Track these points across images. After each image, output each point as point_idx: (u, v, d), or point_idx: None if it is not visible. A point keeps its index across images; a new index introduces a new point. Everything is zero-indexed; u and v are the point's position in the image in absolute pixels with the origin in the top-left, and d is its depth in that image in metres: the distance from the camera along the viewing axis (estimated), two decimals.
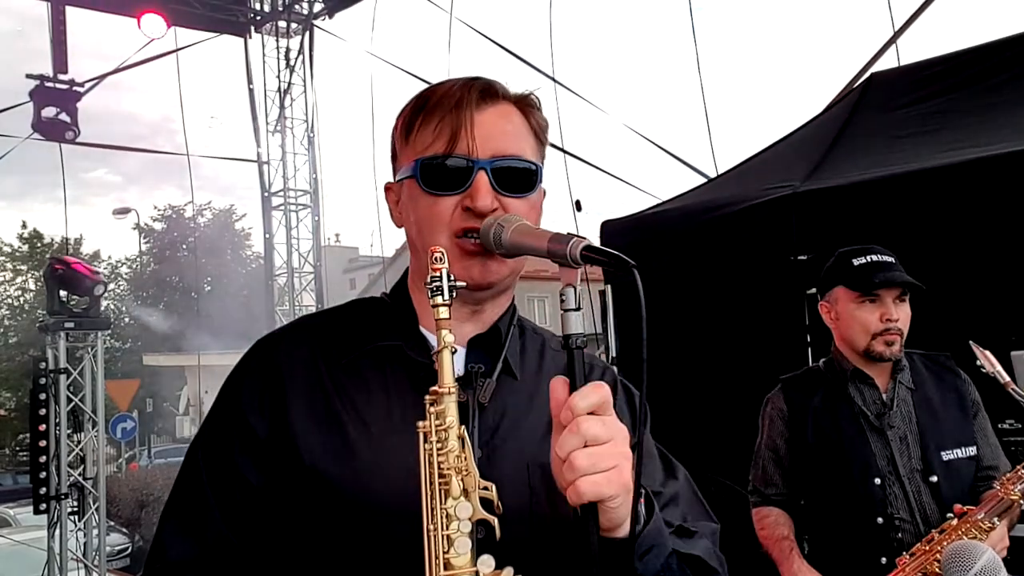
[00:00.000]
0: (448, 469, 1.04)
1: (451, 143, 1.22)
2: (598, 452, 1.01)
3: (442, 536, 1.03)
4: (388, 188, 1.37)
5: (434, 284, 1.05)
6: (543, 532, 1.18)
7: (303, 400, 1.23)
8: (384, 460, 1.17)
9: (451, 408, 1.05)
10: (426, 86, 1.34)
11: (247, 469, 1.23)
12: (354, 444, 1.19)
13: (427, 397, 1.07)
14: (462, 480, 1.04)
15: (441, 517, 1.03)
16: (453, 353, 1.06)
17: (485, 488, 1.05)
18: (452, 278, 1.06)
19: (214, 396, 1.34)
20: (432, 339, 1.24)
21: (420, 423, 1.07)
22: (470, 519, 1.04)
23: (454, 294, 1.06)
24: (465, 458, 1.05)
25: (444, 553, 1.03)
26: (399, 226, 1.34)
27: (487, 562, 1.04)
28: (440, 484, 1.04)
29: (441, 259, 1.07)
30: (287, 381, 1.24)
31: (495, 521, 1.04)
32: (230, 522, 1.22)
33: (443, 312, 1.05)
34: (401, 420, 1.19)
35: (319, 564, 1.19)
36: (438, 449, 1.05)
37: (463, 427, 1.06)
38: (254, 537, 1.23)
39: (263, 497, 1.23)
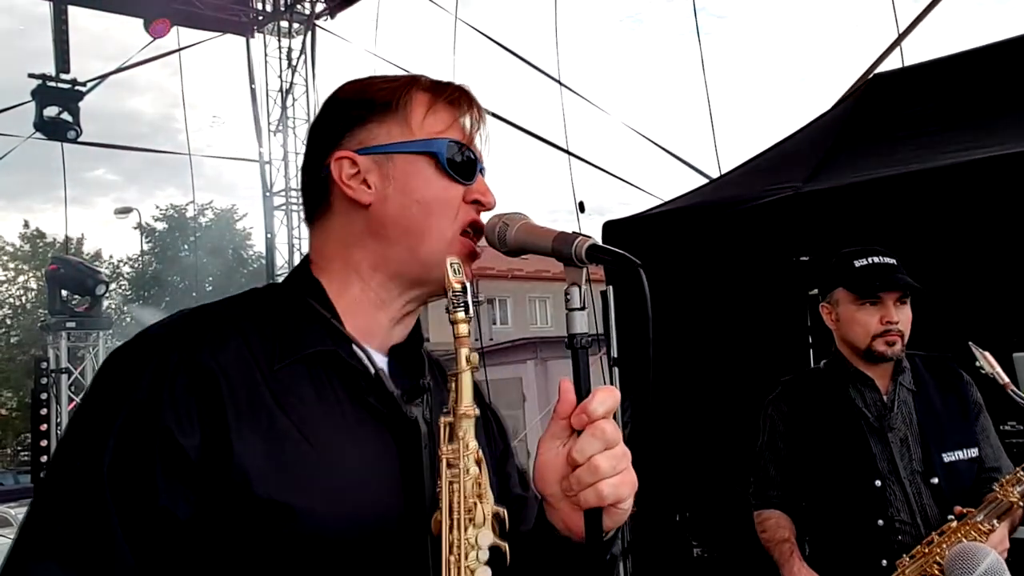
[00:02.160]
0: (471, 497, 1.01)
1: (469, 138, 1.23)
2: (615, 455, 1.02)
3: (464, 567, 0.99)
4: (345, 157, 1.20)
5: (459, 299, 1.02)
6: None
7: (244, 414, 1.04)
8: (348, 481, 1.09)
9: (471, 431, 1.02)
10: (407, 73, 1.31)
11: (174, 500, 1.01)
12: (313, 467, 1.06)
13: (444, 419, 1.03)
14: (484, 507, 1.02)
15: (464, 547, 1.00)
16: (401, 347, 1.06)
17: (496, 514, 1.03)
18: (476, 291, 1.04)
19: None
20: (363, 345, 1.17)
21: (444, 448, 1.02)
22: (488, 547, 1.01)
23: (471, 311, 1.03)
24: (482, 484, 1.02)
25: None
26: (364, 202, 1.19)
27: None
28: (465, 514, 1.00)
29: (459, 269, 1.04)
30: (224, 391, 1.04)
31: (505, 547, 1.02)
32: (148, 570, 1.01)
33: (463, 329, 1.01)
34: (352, 435, 1.11)
35: None
36: (460, 475, 1.01)
37: (479, 449, 1.03)
38: None
39: (190, 532, 1.02)
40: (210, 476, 1.02)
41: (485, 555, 1.00)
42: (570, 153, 9.12)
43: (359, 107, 1.23)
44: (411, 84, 1.24)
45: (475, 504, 1.01)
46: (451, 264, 1.04)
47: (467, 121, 1.24)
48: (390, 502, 1.10)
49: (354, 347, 1.16)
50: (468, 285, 1.03)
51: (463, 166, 1.21)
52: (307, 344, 1.13)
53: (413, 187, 1.19)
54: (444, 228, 1.19)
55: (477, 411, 1.03)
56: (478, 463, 1.03)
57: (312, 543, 1.04)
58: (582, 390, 1.04)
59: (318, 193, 1.23)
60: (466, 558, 0.99)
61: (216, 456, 1.02)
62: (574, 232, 1.07)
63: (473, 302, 1.03)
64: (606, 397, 1.03)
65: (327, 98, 1.28)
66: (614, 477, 1.01)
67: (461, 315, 1.00)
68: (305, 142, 1.34)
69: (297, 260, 10.84)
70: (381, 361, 1.19)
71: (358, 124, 1.21)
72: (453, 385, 1.03)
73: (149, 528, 1.01)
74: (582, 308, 1.04)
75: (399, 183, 1.19)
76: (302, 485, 1.04)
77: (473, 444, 1.02)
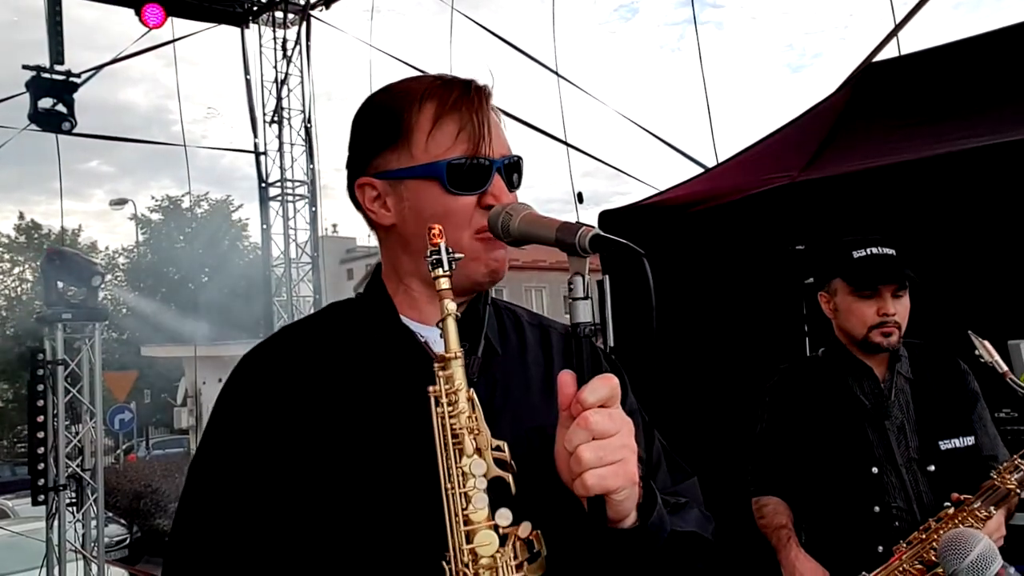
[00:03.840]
0: (460, 429, 1.09)
1: (474, 146, 1.27)
2: (604, 445, 1.03)
3: (460, 493, 1.07)
4: (367, 183, 1.33)
5: (434, 257, 1.10)
6: (546, 494, 1.20)
7: (310, 411, 1.24)
8: (397, 443, 1.20)
9: (458, 372, 1.11)
10: (408, 83, 1.36)
11: (268, 493, 1.22)
12: (367, 437, 1.21)
13: (435, 364, 1.13)
14: (475, 439, 1.09)
15: (457, 475, 1.08)
16: (457, 320, 1.11)
17: (497, 447, 1.10)
18: (450, 251, 1.11)
19: (211, 387, 1.33)
20: (415, 327, 1.31)
21: (431, 387, 1.12)
22: (485, 476, 1.08)
23: (453, 265, 1.11)
24: (476, 418, 1.10)
25: (463, 510, 1.07)
26: (386, 224, 1.32)
27: (504, 515, 1.08)
28: (454, 444, 1.09)
29: (440, 233, 1.12)
30: (290, 396, 1.25)
31: (509, 477, 1.08)
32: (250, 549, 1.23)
33: (444, 283, 1.10)
34: (402, 404, 1.21)
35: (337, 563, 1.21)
36: (450, 412, 1.10)
37: (471, 390, 1.11)
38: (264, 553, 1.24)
39: (282, 512, 1.22)
40: (289, 469, 1.21)
41: (483, 483, 1.08)
42: (568, 144, 9.11)
43: (374, 133, 1.33)
44: (417, 101, 1.30)
45: (463, 435, 1.09)
46: (431, 228, 1.12)
47: (474, 129, 1.28)
48: (429, 449, 1.14)
49: (405, 326, 1.30)
50: (443, 244, 1.11)
51: (471, 178, 1.26)
52: (361, 339, 1.31)
53: (424, 206, 1.28)
54: (459, 237, 1.25)
55: (460, 352, 1.12)
56: (470, 401, 1.11)
57: (371, 508, 1.18)
58: (585, 379, 1.05)
59: (362, 214, 1.37)
60: (463, 485, 1.08)
61: (291, 452, 1.21)
62: (577, 222, 1.08)
63: (448, 258, 1.11)
64: (599, 386, 1.05)
65: (354, 116, 1.37)
66: (600, 468, 1.03)
67: (440, 271, 1.10)
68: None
69: (293, 251, 10.81)
70: (436, 334, 1.26)
71: (375, 152, 1.32)
72: (441, 332, 1.12)
73: (250, 509, 1.22)
74: (586, 297, 1.05)
75: (412, 203, 1.29)
76: (354, 462, 1.19)
77: (460, 383, 1.11)
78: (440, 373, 1.12)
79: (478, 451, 1.09)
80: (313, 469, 1.20)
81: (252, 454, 1.23)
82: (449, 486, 1.08)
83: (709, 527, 1.33)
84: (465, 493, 1.07)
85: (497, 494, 1.08)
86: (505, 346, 1.36)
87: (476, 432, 1.10)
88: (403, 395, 1.22)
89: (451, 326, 1.11)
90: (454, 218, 1.26)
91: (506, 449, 1.10)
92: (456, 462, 1.08)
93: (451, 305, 1.10)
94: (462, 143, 1.27)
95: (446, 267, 1.10)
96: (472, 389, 1.12)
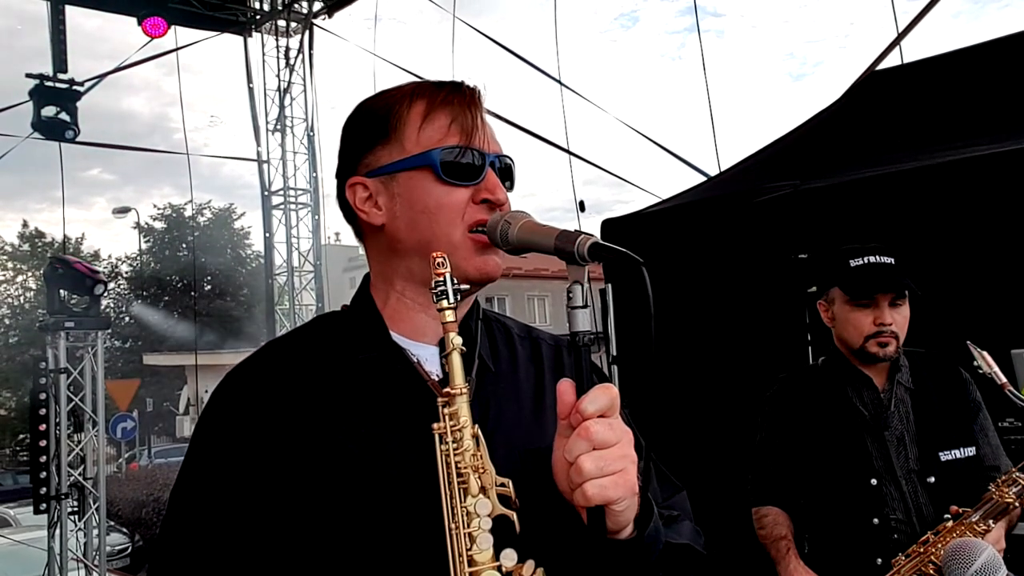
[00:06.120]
0: (465, 468, 1.07)
1: (467, 137, 1.25)
2: (605, 456, 1.02)
3: (464, 534, 1.05)
4: (358, 183, 1.29)
5: (439, 288, 1.07)
6: (540, 516, 1.18)
7: (295, 432, 1.18)
8: (392, 476, 1.16)
9: (463, 408, 1.08)
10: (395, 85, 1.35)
11: (251, 516, 1.18)
12: (358, 467, 1.16)
13: (439, 399, 1.09)
14: (479, 478, 1.07)
15: (462, 515, 1.06)
16: (463, 354, 1.08)
17: (502, 484, 1.07)
18: (456, 281, 1.08)
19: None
20: (406, 344, 1.26)
21: (435, 424, 1.09)
22: (489, 515, 1.06)
23: (459, 297, 1.08)
24: (481, 456, 1.08)
25: (467, 551, 1.05)
26: (376, 224, 1.28)
27: (509, 556, 1.06)
28: (459, 483, 1.07)
29: (443, 263, 1.08)
30: (275, 416, 1.20)
31: (514, 516, 1.06)
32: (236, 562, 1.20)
33: (449, 315, 1.07)
34: (396, 433, 1.19)
35: None
36: (454, 449, 1.07)
37: (477, 426, 1.08)
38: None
39: (267, 538, 1.18)
40: (275, 488, 1.16)
41: (487, 523, 1.05)
42: (570, 152, 9.11)
43: (364, 132, 1.30)
44: (407, 97, 1.29)
45: (468, 474, 1.07)
46: (435, 259, 1.09)
47: (466, 121, 1.26)
48: (427, 484, 1.12)
49: (396, 344, 1.25)
50: (449, 276, 1.07)
51: (464, 168, 1.24)
52: (350, 356, 1.25)
53: (416, 199, 1.25)
54: (451, 233, 1.22)
55: (466, 388, 1.08)
56: (475, 438, 1.08)
57: (366, 534, 1.14)
58: (584, 388, 1.04)
59: (351, 220, 1.34)
60: (468, 525, 1.06)
61: (277, 471, 1.17)
62: (576, 230, 1.07)
63: (454, 290, 1.07)
64: (598, 395, 1.04)
65: (344, 124, 1.35)
66: (602, 478, 1.02)
67: (445, 303, 1.07)
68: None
69: (296, 259, 10.81)
70: (429, 352, 1.26)
71: (366, 150, 1.29)
72: (447, 367, 1.09)
73: (232, 532, 1.18)
74: (585, 306, 1.05)
75: (404, 199, 1.26)
76: (347, 484, 1.15)
77: (465, 420, 1.08)
78: (444, 410, 1.08)
79: (483, 490, 1.07)
80: (304, 499, 1.16)
81: (237, 482, 1.19)
82: (453, 526, 1.06)
83: (700, 540, 1.32)
84: (469, 533, 1.05)
85: (500, 531, 1.06)
86: (497, 362, 1.33)
87: (481, 471, 1.07)
88: (398, 422, 1.19)
89: (456, 360, 1.07)
90: (446, 211, 1.23)
91: (511, 486, 1.07)
92: (460, 501, 1.06)
93: (457, 339, 1.07)
94: (454, 134, 1.24)
95: (451, 299, 1.07)
96: (477, 425, 1.08)
